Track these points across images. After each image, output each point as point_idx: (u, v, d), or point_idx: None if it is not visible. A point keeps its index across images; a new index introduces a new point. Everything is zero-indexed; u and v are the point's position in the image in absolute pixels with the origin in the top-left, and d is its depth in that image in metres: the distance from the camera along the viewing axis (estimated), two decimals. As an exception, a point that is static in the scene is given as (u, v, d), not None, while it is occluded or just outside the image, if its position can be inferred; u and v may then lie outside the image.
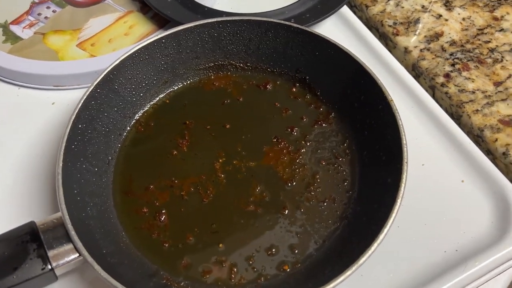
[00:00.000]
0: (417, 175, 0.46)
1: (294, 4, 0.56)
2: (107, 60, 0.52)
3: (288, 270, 0.39)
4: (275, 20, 0.47)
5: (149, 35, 0.56)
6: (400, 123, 0.40)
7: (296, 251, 0.39)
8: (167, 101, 0.49)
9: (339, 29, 0.57)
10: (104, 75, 0.44)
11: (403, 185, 0.37)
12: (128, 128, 0.47)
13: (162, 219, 0.42)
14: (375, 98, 0.43)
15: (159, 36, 0.47)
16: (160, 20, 0.57)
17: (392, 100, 0.42)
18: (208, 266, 0.39)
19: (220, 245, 0.40)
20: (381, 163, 0.41)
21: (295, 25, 0.47)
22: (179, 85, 0.50)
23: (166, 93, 0.49)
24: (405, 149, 0.39)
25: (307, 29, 0.47)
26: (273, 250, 0.40)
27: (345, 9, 0.58)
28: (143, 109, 0.48)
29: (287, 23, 0.47)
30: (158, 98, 0.49)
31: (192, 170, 0.44)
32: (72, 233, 0.36)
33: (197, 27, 0.48)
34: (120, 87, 0.46)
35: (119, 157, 0.45)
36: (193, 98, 0.49)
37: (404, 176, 0.37)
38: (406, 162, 0.38)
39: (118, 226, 0.41)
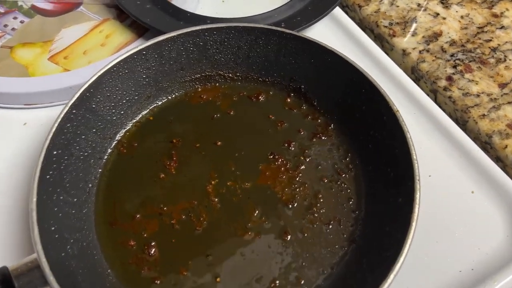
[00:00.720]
0: (424, 188, 0.43)
1: (282, 6, 0.53)
2: (82, 74, 0.48)
3: (294, 303, 0.35)
4: (265, 26, 0.44)
5: (127, 44, 0.51)
6: (409, 136, 0.37)
7: (303, 282, 0.36)
8: (151, 118, 0.45)
9: (332, 31, 0.54)
10: (80, 94, 0.40)
11: (417, 206, 0.34)
12: (109, 151, 0.43)
13: (152, 252, 0.38)
14: (379, 108, 0.39)
15: (139, 47, 0.43)
16: (139, 28, 0.52)
17: (398, 111, 0.38)
18: (205, 304, 0.36)
19: (218, 279, 0.36)
20: (389, 180, 0.38)
21: (287, 30, 0.43)
22: (164, 99, 0.46)
23: (149, 109, 0.45)
24: (416, 165, 0.35)
25: (300, 35, 0.43)
26: (277, 282, 0.36)
27: (337, 10, 0.55)
28: (125, 129, 0.44)
29: (278, 28, 0.43)
30: (141, 115, 0.45)
31: (182, 195, 0.40)
32: (51, 278, 0.32)
33: (181, 36, 0.44)
34: (98, 106, 0.41)
35: (101, 184, 0.41)
36: (179, 113, 0.45)
37: (417, 196, 0.34)
38: (419, 180, 0.35)
39: (103, 263, 0.37)
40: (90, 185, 0.40)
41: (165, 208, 0.39)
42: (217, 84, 0.47)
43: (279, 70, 0.46)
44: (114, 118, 0.43)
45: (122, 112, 0.43)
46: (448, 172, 0.44)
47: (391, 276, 0.31)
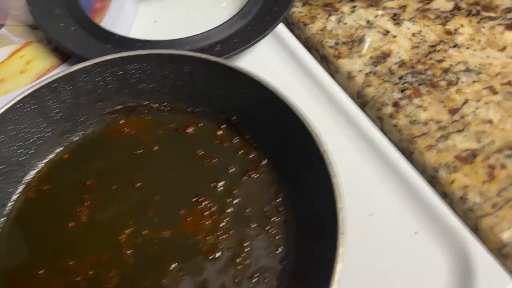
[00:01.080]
0: (364, 228, 0.40)
1: (220, 26, 0.48)
2: (-5, 106, 0.44)
3: None
4: (189, 53, 0.39)
5: (49, 71, 0.47)
6: (335, 181, 0.33)
7: None
8: (66, 156, 0.41)
9: (275, 52, 0.50)
10: (-24, 136, 0.36)
11: (337, 265, 0.30)
12: (15, 196, 0.38)
13: (54, 314, 0.34)
14: (307, 146, 0.35)
15: (48, 80, 0.38)
16: (64, 53, 0.48)
17: (325, 151, 0.34)
18: None
19: None
20: (315, 230, 0.34)
21: (213, 58, 0.39)
22: (81, 134, 0.41)
23: (64, 146, 0.41)
24: (340, 216, 0.31)
25: (226, 63, 0.39)
26: None
27: (282, 28, 0.51)
28: (34, 170, 0.40)
29: (203, 56, 0.39)
30: (54, 154, 0.40)
31: (91, 247, 0.36)
32: None
33: (96, 65, 0.39)
34: (0, 148, 0.37)
35: (2, 235, 0.37)
36: (97, 150, 0.41)
37: (340, 252, 0.30)
38: (342, 233, 0.31)
39: (-2, 328, 0.33)
40: (-10, 237, 0.36)
41: (70, 263, 0.35)
42: (142, 116, 0.43)
43: (209, 100, 0.42)
44: (22, 159, 0.39)
45: (32, 151, 0.39)
46: (392, 211, 0.40)
47: None
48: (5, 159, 0.38)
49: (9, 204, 0.38)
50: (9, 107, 0.37)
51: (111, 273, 0.35)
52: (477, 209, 0.39)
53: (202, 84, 0.41)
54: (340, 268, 0.30)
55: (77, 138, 0.41)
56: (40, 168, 0.40)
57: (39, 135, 0.39)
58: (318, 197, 0.34)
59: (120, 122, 0.42)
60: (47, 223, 0.37)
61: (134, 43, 0.47)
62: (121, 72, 0.40)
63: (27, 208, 0.38)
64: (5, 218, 0.37)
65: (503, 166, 0.41)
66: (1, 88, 0.46)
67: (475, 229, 0.39)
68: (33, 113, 0.39)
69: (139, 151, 0.41)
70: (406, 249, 0.39)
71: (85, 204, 0.38)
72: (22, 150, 0.39)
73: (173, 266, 0.35)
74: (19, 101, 0.38)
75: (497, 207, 0.39)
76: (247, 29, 0.48)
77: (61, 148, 0.41)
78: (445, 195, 0.41)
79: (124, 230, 0.37)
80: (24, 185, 0.39)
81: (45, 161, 0.40)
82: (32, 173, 0.39)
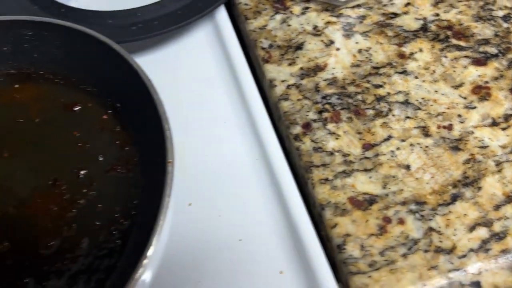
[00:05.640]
0: (229, 254, 0.36)
1: (151, 5, 0.45)
2: None
3: None
4: (78, 28, 0.37)
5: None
6: (166, 201, 0.29)
7: None
8: (-50, 111, 0.40)
9: (210, 42, 0.46)
10: None
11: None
12: None
13: None
14: (160, 152, 0.32)
15: None
16: (-5, 6, 0.47)
17: (171, 162, 0.31)
18: None
19: None
20: (136, 246, 0.31)
21: (101, 37, 0.36)
22: (-29, 92, 0.41)
23: (-48, 101, 0.40)
24: (153, 240, 0.28)
25: (111, 44, 0.36)
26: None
27: (224, 19, 0.47)
28: None
29: (92, 33, 0.36)
30: None
31: None
32: None
33: (-14, 24, 0.38)
34: None
35: None
36: (-18, 111, 0.40)
37: (134, 276, 0.27)
38: (148, 257, 0.28)
39: None
40: None
41: None
42: (37, 85, 0.41)
43: (99, 81, 0.39)
44: None
45: None
46: (263, 241, 0.36)
47: None
48: None
49: None
50: None
51: None
52: (351, 264, 0.34)
53: (93, 63, 0.38)
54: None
55: (-33, 94, 0.41)
56: None
57: None
58: (150, 211, 0.31)
59: (15, 87, 0.41)
60: None
61: (59, 8, 0.45)
62: (15, 36, 0.39)
63: None
64: None
65: (400, 222, 0.35)
66: None
67: (346, 286, 0.34)
68: None
69: (20, 120, 0.39)
70: (265, 286, 0.34)
71: None
72: None
73: (3, 245, 0.34)
74: None
75: (373, 267, 0.33)
76: (176, 13, 0.44)
77: None
78: (328, 239, 0.36)
79: (-28, 197, 0.36)
80: None
81: None
82: None
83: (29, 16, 0.38)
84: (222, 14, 0.47)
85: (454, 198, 0.36)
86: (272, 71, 0.42)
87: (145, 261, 0.28)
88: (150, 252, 0.28)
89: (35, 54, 0.40)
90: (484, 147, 0.38)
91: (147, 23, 0.43)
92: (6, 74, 0.41)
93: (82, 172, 0.37)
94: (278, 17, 0.46)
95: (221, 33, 0.46)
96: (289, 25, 0.45)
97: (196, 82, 0.45)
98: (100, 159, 0.37)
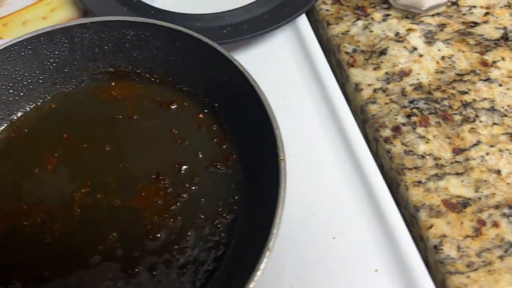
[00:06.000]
0: (322, 251, 0.37)
1: (237, 9, 0.46)
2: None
3: None
4: (182, 29, 0.38)
5: (68, 21, 0.48)
6: (282, 194, 0.31)
7: (128, 328, 0.32)
8: (53, 106, 0.42)
9: (290, 46, 0.48)
10: (-32, 67, 0.37)
11: (253, 282, 0.28)
12: (-3, 132, 0.40)
13: (-7, 250, 0.35)
14: (269, 150, 0.33)
15: (47, 29, 0.39)
16: (86, 6, 0.49)
17: (283, 159, 0.32)
18: (23, 321, 0.33)
19: (45, 296, 0.33)
20: (252, 239, 0.32)
21: (204, 39, 0.38)
22: (72, 87, 0.42)
23: (54, 96, 0.42)
24: (274, 231, 0.29)
25: (216, 46, 0.37)
26: (102, 319, 0.32)
27: (305, 24, 0.48)
28: (21, 111, 0.41)
29: (196, 35, 0.38)
30: (42, 101, 0.41)
31: (47, 197, 0.37)
32: None
33: (93, 24, 0.40)
34: (-10, 84, 0.39)
35: (-26, 164, 0.39)
36: (83, 107, 0.42)
37: (260, 267, 0.28)
38: (269, 250, 0.29)
39: None
40: (-36, 164, 0.38)
41: (25, 207, 0.36)
42: (133, 83, 0.42)
43: (196, 81, 0.40)
44: (11, 98, 0.40)
45: (22, 94, 0.41)
46: (357, 240, 0.37)
47: None
48: (-6, 95, 0.40)
49: (-10, 138, 0.40)
50: (4, 48, 0.39)
51: (55, 226, 0.36)
52: (449, 264, 0.34)
53: (192, 63, 0.40)
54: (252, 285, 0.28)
55: (67, 91, 0.42)
56: (26, 111, 0.41)
57: (30, 80, 0.41)
58: (264, 206, 0.32)
59: (112, 84, 0.43)
60: (15, 164, 0.39)
61: (148, 10, 0.47)
62: (117, 36, 0.40)
63: (4, 146, 0.39)
64: (-19, 150, 0.39)
65: (495, 225, 0.36)
66: (22, 29, 0.48)
67: (442, 285, 0.35)
68: (28, 59, 0.40)
69: (119, 117, 0.41)
70: (360, 284, 0.35)
71: (55, 154, 0.39)
72: (12, 91, 0.40)
73: (112, 235, 0.35)
74: (15, 44, 0.39)
75: (471, 268, 0.34)
76: (262, 18, 0.46)
77: (49, 97, 0.42)
78: (421, 239, 0.37)
79: (81, 189, 0.37)
80: (8, 123, 0.40)
81: (33, 105, 0.41)
82: (18, 114, 0.41)
83: (134, 17, 0.39)
84: (302, 19, 0.48)
85: (547, 204, 0.36)
86: (357, 75, 0.44)
87: (267, 253, 0.29)
88: (271, 244, 0.29)
89: (134, 53, 0.41)
90: None
91: (236, 26, 0.45)
92: (104, 72, 0.42)
93: (184, 167, 0.38)
94: (360, 23, 0.47)
95: (302, 38, 0.47)
96: (371, 31, 0.46)
97: (278, 84, 0.46)
98: (200, 155, 0.39)
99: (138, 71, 0.42)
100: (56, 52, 0.41)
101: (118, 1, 0.47)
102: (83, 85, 0.42)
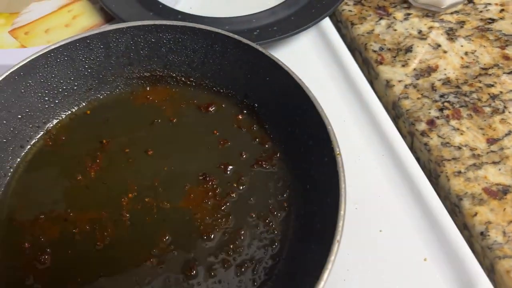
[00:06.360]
0: (371, 243, 0.38)
1: (264, 12, 0.47)
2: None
3: None
4: (222, 32, 0.39)
5: (92, 29, 0.48)
6: (343, 187, 0.31)
7: (192, 329, 0.32)
8: (88, 112, 0.41)
9: (316, 46, 0.48)
10: (6, 76, 0.37)
11: (327, 272, 0.28)
12: (34, 140, 0.39)
13: (44, 260, 0.34)
14: (322, 146, 0.34)
15: (83, 35, 0.39)
16: (109, 13, 0.49)
17: (339, 154, 0.33)
18: (83, 330, 0.32)
19: (102, 304, 0.33)
20: (314, 232, 0.32)
21: (245, 40, 0.38)
22: (106, 93, 0.42)
23: (88, 102, 0.41)
24: (340, 223, 0.30)
25: (257, 47, 0.38)
26: (164, 322, 0.32)
27: (328, 24, 0.49)
28: (57, 118, 0.40)
29: (236, 37, 0.39)
30: (77, 108, 0.41)
31: (94, 204, 0.36)
32: None
33: (130, 29, 0.40)
34: (27, 92, 0.38)
35: (15, 174, 0.38)
36: (119, 112, 0.41)
37: (331, 259, 0.29)
38: (338, 241, 0.29)
39: (-11, 261, 0.34)
40: (3, 174, 0.37)
41: (71, 214, 0.36)
42: (168, 87, 0.42)
43: (235, 83, 0.41)
44: (46, 106, 0.40)
45: (57, 101, 0.40)
46: (403, 231, 0.38)
47: None
48: (30, 103, 0.39)
49: (28, 146, 0.39)
50: (41, 55, 0.38)
51: (106, 232, 0.35)
52: (497, 249, 0.36)
53: (230, 65, 0.40)
54: (326, 275, 0.29)
55: (102, 97, 0.42)
56: (61, 118, 0.41)
57: (65, 87, 0.40)
58: (323, 199, 0.33)
59: (147, 89, 0.42)
60: (57, 172, 0.38)
61: (175, 15, 0.47)
62: (154, 40, 0.40)
63: (42, 154, 0.39)
64: (20, 159, 0.38)
65: (535, 209, 0.37)
66: (45, 37, 0.47)
67: (491, 269, 0.36)
68: (64, 65, 0.39)
69: (158, 121, 0.41)
70: (410, 273, 0.36)
71: (97, 161, 0.38)
72: (47, 98, 0.40)
73: (166, 238, 0.35)
74: (51, 50, 0.38)
75: (519, 251, 0.35)
76: (290, 19, 0.47)
77: (84, 104, 0.41)
78: (465, 227, 0.38)
79: (128, 194, 0.37)
80: (44, 132, 0.40)
81: (68, 113, 0.41)
82: (54, 121, 0.40)
83: (171, 21, 0.40)
84: (325, 20, 0.49)
85: None
86: (387, 72, 0.45)
87: (336, 245, 0.29)
88: (339, 236, 0.30)
89: (170, 57, 0.41)
90: None
91: (265, 28, 0.45)
92: (139, 77, 0.42)
93: (229, 167, 0.38)
94: (383, 22, 0.48)
95: (327, 38, 0.48)
96: (395, 30, 0.48)
97: (307, 84, 0.46)
98: (244, 155, 0.39)
99: (174, 74, 0.42)
100: (92, 58, 0.40)
101: (144, 7, 0.47)
102: (117, 90, 0.42)
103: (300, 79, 0.36)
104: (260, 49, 0.38)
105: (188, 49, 0.41)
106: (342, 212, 0.30)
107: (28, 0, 0.50)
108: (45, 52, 0.38)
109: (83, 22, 0.48)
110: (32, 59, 0.38)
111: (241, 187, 0.37)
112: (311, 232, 0.33)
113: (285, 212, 0.36)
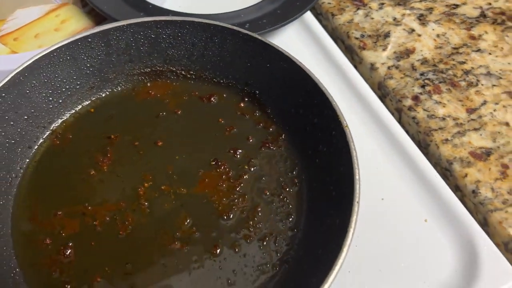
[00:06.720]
0: (375, 211, 0.40)
1: (251, 7, 0.50)
2: (28, 58, 0.45)
3: (212, 325, 0.32)
4: (220, 24, 0.41)
5: (82, 32, 0.48)
6: (354, 154, 0.34)
7: (224, 302, 0.33)
8: (92, 110, 0.42)
9: (301, 38, 0.51)
10: (12, 77, 0.37)
11: (351, 230, 0.31)
12: (41, 140, 0.40)
13: (68, 253, 0.34)
14: (329, 121, 0.37)
15: (85, 34, 0.40)
16: (98, 16, 0.49)
17: (347, 126, 0.35)
18: (116, 316, 0.32)
19: (133, 290, 0.33)
20: (330, 199, 0.35)
21: (244, 31, 0.41)
22: (108, 91, 0.43)
23: (91, 101, 0.42)
24: (357, 186, 0.32)
25: (257, 36, 0.40)
26: (197, 299, 0.33)
27: (309, 17, 0.52)
28: (61, 118, 0.41)
29: (235, 28, 0.41)
30: (81, 106, 0.42)
31: (111, 195, 0.37)
32: None
33: (130, 26, 0.41)
34: (32, 92, 0.39)
35: (26, 175, 0.38)
36: (122, 108, 0.42)
37: (353, 219, 0.31)
38: (358, 202, 0.32)
39: (11, 260, 0.34)
40: (13, 175, 0.37)
41: (89, 208, 0.36)
42: (168, 81, 0.44)
43: (235, 73, 0.43)
44: (51, 106, 0.40)
45: (60, 100, 0.41)
46: (403, 197, 0.41)
47: (311, 305, 0.28)
48: (35, 104, 0.39)
49: (35, 147, 0.39)
50: (45, 55, 0.38)
51: (127, 221, 0.36)
52: (488, 204, 0.39)
53: (229, 56, 0.42)
54: (350, 239, 0.31)
55: (104, 94, 0.43)
56: (66, 117, 0.41)
57: (68, 86, 0.41)
58: (335, 169, 0.35)
59: (148, 85, 0.44)
60: (69, 169, 0.38)
61: (166, 14, 0.49)
62: (153, 36, 0.42)
63: (51, 153, 0.39)
64: (29, 159, 0.38)
65: (515, 166, 0.41)
66: (36, 42, 0.47)
67: (484, 223, 0.40)
68: (66, 64, 0.40)
69: (163, 114, 0.42)
70: (414, 234, 0.39)
71: (108, 155, 0.39)
72: (51, 98, 0.40)
73: (187, 221, 0.36)
74: (54, 50, 0.39)
75: (507, 204, 0.39)
76: (276, 12, 0.49)
77: (87, 102, 0.42)
78: (457, 188, 0.42)
79: (143, 183, 0.38)
80: (49, 131, 0.40)
81: (72, 112, 0.41)
82: (59, 121, 0.41)
83: (170, 16, 0.41)
84: (307, 13, 0.53)
85: (551, 144, 0.43)
86: (370, 56, 0.48)
87: (356, 207, 0.32)
88: (357, 198, 0.32)
89: (170, 52, 0.43)
90: (560, 102, 0.46)
91: (255, 21, 0.48)
92: (139, 73, 0.43)
93: (238, 151, 0.40)
94: (361, 12, 0.52)
95: (311, 30, 0.51)
96: (372, 18, 0.51)
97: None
98: (250, 140, 0.41)
99: (174, 69, 0.44)
100: (93, 56, 0.41)
101: (134, 8, 0.49)
102: (119, 88, 0.43)
103: (301, 63, 0.39)
104: (260, 37, 0.40)
105: (187, 43, 0.42)
106: (357, 177, 0.33)
107: (13, 7, 0.50)
108: (48, 52, 0.39)
109: (72, 26, 0.49)
110: (36, 59, 0.38)
111: (252, 169, 0.39)
112: (328, 199, 0.35)
113: (297, 187, 0.38)
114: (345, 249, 0.30)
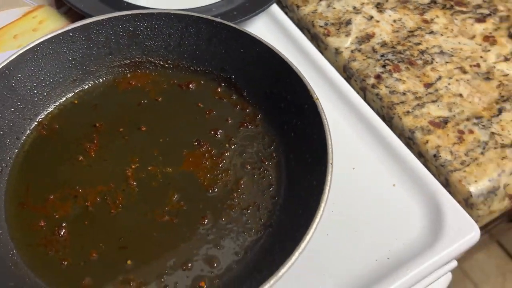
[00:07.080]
0: (348, 180, 0.44)
1: (221, 1, 0.53)
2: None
3: (204, 286, 0.34)
4: (195, 14, 0.44)
5: (64, 27, 0.50)
6: (326, 123, 0.37)
7: (215, 265, 0.35)
8: (76, 102, 0.44)
9: (269, 30, 0.55)
10: (-3, 70, 0.38)
11: (327, 187, 0.34)
12: (28, 132, 0.41)
13: (62, 233, 0.36)
14: (301, 97, 0.40)
15: (66, 28, 0.42)
16: (74, 16, 0.51)
17: (317, 98, 0.39)
18: (113, 287, 0.34)
19: (128, 261, 0.35)
20: (307, 165, 0.38)
21: (217, 19, 0.44)
22: (90, 83, 0.45)
23: (74, 93, 0.44)
24: (330, 149, 0.36)
25: (230, 24, 0.43)
26: (189, 264, 0.35)
27: (276, 10, 0.56)
28: (46, 110, 0.43)
29: (208, 17, 0.44)
30: (65, 98, 0.44)
31: (100, 178, 0.39)
32: None
33: (110, 20, 0.43)
34: (18, 85, 0.40)
35: (15, 164, 0.39)
36: (105, 98, 0.44)
37: (328, 178, 0.34)
38: (331, 164, 0.35)
39: (8, 243, 0.35)
40: (3, 165, 0.39)
41: (80, 191, 0.38)
42: (147, 71, 0.46)
43: (210, 60, 0.46)
44: (36, 99, 0.42)
45: (45, 93, 0.42)
46: (372, 166, 0.45)
47: (296, 253, 0.31)
48: (21, 96, 0.41)
49: (23, 138, 0.41)
50: (29, 49, 0.40)
51: (117, 200, 0.38)
52: (448, 165, 0.44)
53: (205, 44, 0.45)
54: (327, 194, 0.34)
55: (87, 86, 0.45)
56: (51, 109, 0.43)
57: (52, 79, 0.43)
58: (309, 138, 0.38)
59: (128, 76, 0.46)
60: (57, 157, 0.40)
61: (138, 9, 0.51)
62: (132, 29, 0.44)
63: (39, 143, 0.41)
64: (17, 150, 0.40)
65: (470, 132, 0.46)
66: (15, 42, 0.49)
67: (446, 183, 0.44)
68: (49, 58, 0.42)
69: (144, 101, 0.44)
70: (384, 198, 0.43)
71: (95, 141, 0.41)
72: (36, 91, 0.42)
73: (175, 197, 0.38)
74: (37, 45, 0.41)
75: (465, 164, 0.44)
76: (246, 5, 0.53)
77: (71, 94, 0.44)
78: (420, 155, 0.46)
79: (130, 165, 0.40)
80: (36, 123, 0.42)
81: (56, 104, 0.43)
82: (44, 113, 0.42)
83: (147, 9, 0.44)
84: (274, 6, 0.56)
85: (500, 111, 0.47)
86: (334, 42, 0.52)
87: (330, 167, 0.35)
88: (330, 160, 0.35)
89: (147, 43, 0.45)
90: (506, 75, 0.50)
91: (227, 14, 0.51)
92: (120, 65, 0.46)
93: (219, 131, 0.43)
94: (323, 3, 0.56)
95: (278, 21, 0.55)
96: (334, 8, 0.56)
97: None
98: (229, 121, 0.44)
99: (152, 59, 0.46)
100: (74, 50, 0.43)
101: (108, 5, 0.51)
102: (101, 80, 0.45)
103: (272, 46, 0.42)
104: (232, 25, 0.43)
105: (164, 34, 0.45)
106: (329, 142, 0.36)
107: (-11, 10, 0.51)
108: (32, 46, 0.40)
109: (49, 26, 0.51)
110: (21, 53, 0.40)
111: (233, 146, 0.42)
112: (304, 166, 0.38)
113: (275, 159, 0.41)
114: (322, 204, 0.33)
